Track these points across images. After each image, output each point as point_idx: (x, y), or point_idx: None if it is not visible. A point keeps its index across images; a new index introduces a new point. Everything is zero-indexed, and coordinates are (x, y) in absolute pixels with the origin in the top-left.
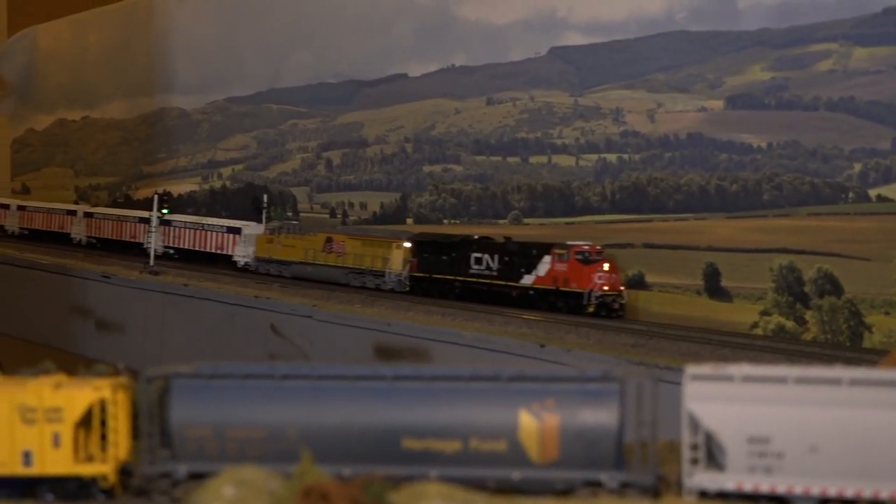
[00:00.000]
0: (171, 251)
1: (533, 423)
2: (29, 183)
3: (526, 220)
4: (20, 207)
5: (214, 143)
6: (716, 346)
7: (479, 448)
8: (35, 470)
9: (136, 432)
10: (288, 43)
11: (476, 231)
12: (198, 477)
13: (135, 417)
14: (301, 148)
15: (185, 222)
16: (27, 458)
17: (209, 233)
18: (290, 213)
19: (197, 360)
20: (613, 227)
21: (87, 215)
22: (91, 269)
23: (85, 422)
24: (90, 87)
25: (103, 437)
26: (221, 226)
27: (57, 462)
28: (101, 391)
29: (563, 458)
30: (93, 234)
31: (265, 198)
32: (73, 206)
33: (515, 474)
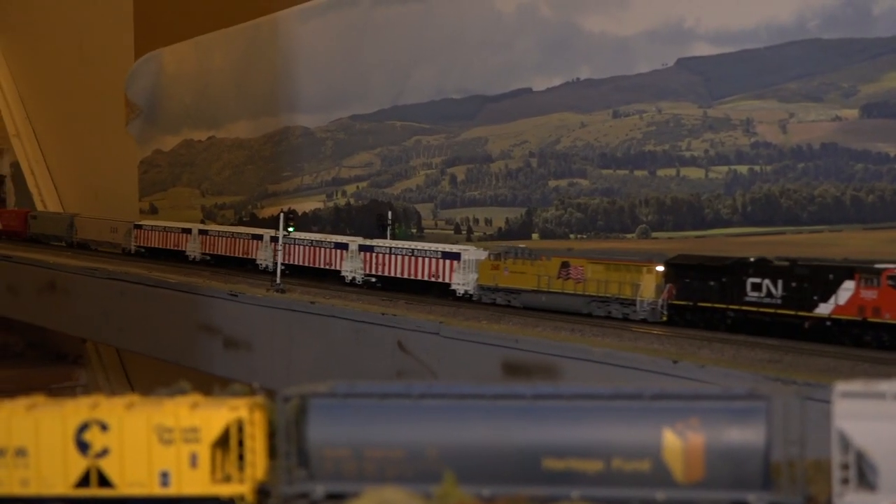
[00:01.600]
0: (374, 279)
1: (677, 443)
2: (156, 203)
3: (654, 234)
4: (136, 226)
5: (338, 160)
6: (855, 362)
7: (622, 468)
8: (172, 490)
9: (272, 452)
10: (411, 60)
11: (603, 245)
12: (335, 497)
13: (271, 437)
14: (425, 164)
15: (391, 248)
16: (165, 478)
17: (421, 259)
18: (414, 230)
19: (324, 377)
20: (745, 240)
21: (202, 233)
22: (218, 287)
23: (222, 442)
24: (215, 107)
25: (240, 457)
26: (436, 251)
27: (194, 482)
28: (237, 411)
29: (709, 478)
30: (207, 251)
31: (389, 214)
32: (187, 224)
33: (660, 495)
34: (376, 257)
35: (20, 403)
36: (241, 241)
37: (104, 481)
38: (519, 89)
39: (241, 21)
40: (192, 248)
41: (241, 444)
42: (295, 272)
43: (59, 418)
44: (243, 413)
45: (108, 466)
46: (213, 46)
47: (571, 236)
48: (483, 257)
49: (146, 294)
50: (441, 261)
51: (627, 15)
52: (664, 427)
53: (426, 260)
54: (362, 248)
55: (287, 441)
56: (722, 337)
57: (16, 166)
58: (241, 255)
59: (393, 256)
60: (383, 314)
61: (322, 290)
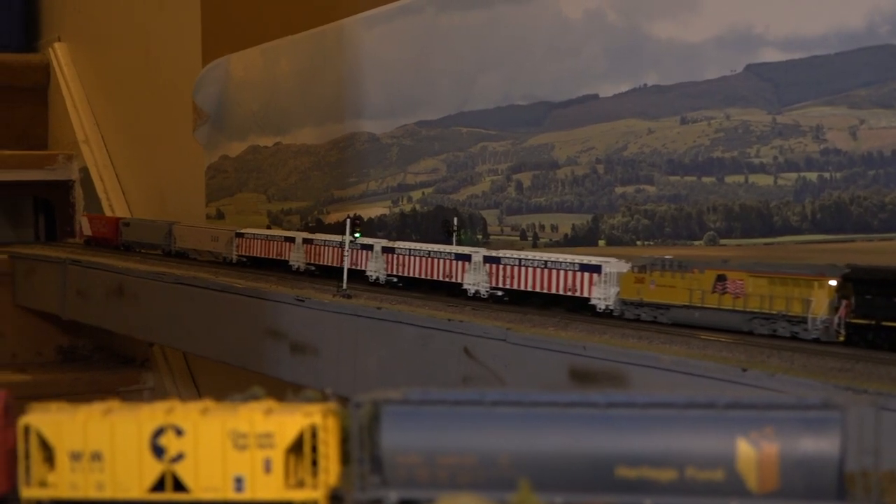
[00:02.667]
0: (500, 293)
1: (751, 452)
2: (223, 208)
3: (722, 241)
4: (238, 234)
5: (404, 166)
6: None
7: (696, 477)
8: (247, 496)
9: (344, 458)
10: (477, 66)
11: (671, 252)
12: (408, 503)
13: (343, 443)
14: (491, 170)
15: (521, 259)
16: (239, 483)
17: (555, 271)
18: (479, 236)
19: (390, 383)
20: (814, 247)
21: (307, 242)
22: (285, 292)
23: (295, 447)
24: (282, 113)
25: (313, 462)
26: (572, 263)
27: (268, 488)
28: (311, 417)
29: (783, 487)
30: (312, 261)
31: (455, 220)
32: (291, 233)
33: None
34: (504, 269)
35: (96, 408)
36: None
37: (179, 486)
38: (585, 95)
39: (307, 28)
40: (296, 257)
41: (314, 449)
42: (410, 285)
43: (135, 423)
44: (317, 419)
45: (183, 471)
46: (279, 53)
47: (638, 243)
48: (625, 269)
49: (213, 299)
50: (579, 273)
51: (696, 21)
52: (738, 436)
53: (561, 272)
54: (487, 259)
55: (360, 447)
56: (792, 345)
57: (84, 172)
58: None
59: (523, 269)
60: (449, 320)
61: (388, 296)
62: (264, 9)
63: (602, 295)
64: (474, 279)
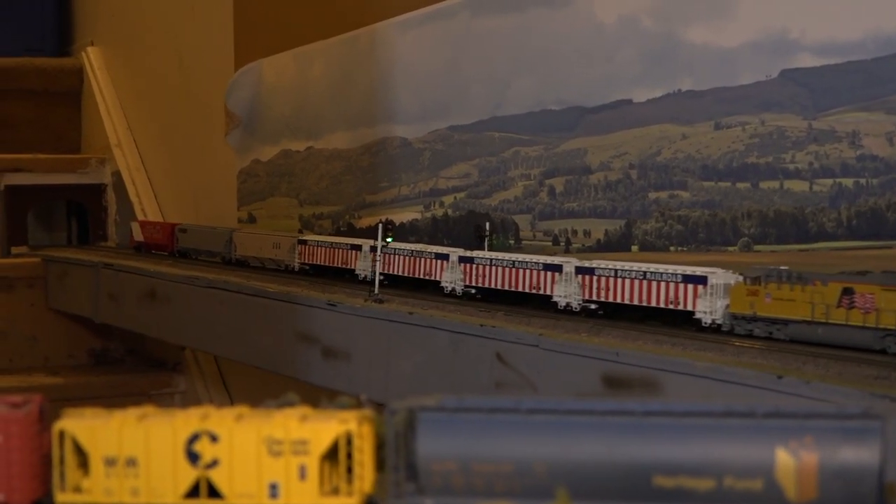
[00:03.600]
0: (594, 306)
1: (790, 462)
2: (254, 212)
3: (757, 247)
4: (300, 241)
5: (436, 171)
6: None
7: (734, 487)
8: (281, 502)
9: (379, 465)
10: (510, 71)
11: (705, 259)
12: None
13: (378, 449)
14: (523, 175)
15: (616, 270)
16: (273, 490)
17: (656, 283)
18: (511, 241)
19: (422, 388)
20: (849, 254)
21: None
22: (317, 297)
23: (330, 454)
24: (313, 118)
25: (348, 469)
26: (674, 273)
27: (303, 494)
28: (347, 424)
29: (822, 497)
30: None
31: (487, 225)
32: (357, 241)
33: None
34: (598, 280)
35: (131, 413)
36: (424, 260)
37: (213, 492)
38: (619, 101)
39: (339, 32)
40: (364, 266)
41: (349, 456)
42: (490, 296)
43: (170, 429)
44: (352, 426)
45: (218, 477)
46: (312, 58)
47: (672, 248)
48: (735, 281)
49: (245, 303)
50: (682, 285)
51: (731, 26)
52: (777, 445)
53: (662, 284)
54: (580, 269)
55: (396, 454)
56: (828, 353)
57: (117, 175)
58: (423, 277)
59: (619, 280)
60: (482, 325)
61: (420, 300)
62: (297, 13)
63: (707, 308)
64: (565, 291)
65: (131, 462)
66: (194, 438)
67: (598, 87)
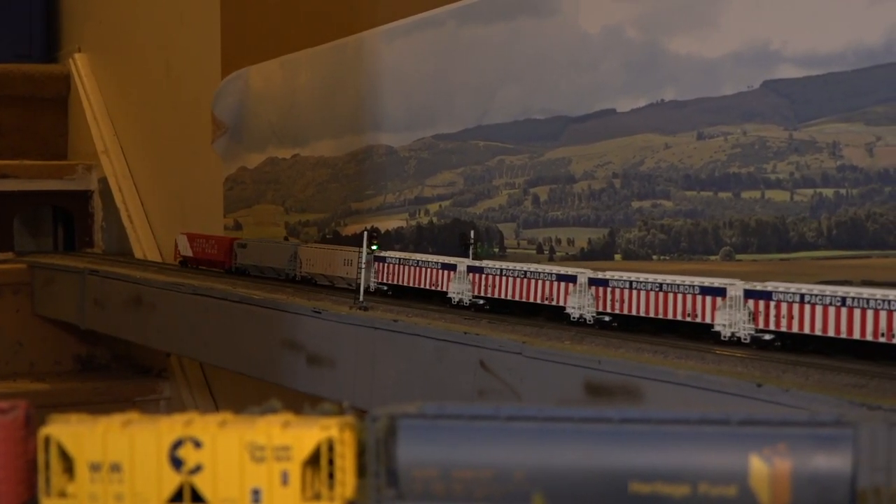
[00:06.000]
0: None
1: (764, 469)
2: (241, 219)
3: (738, 257)
4: (377, 258)
5: (422, 179)
6: None
7: (709, 493)
8: None
9: (361, 471)
10: (496, 80)
11: (686, 267)
12: None
13: (360, 456)
14: (508, 184)
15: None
16: (256, 495)
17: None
18: (496, 249)
19: (406, 395)
20: (830, 263)
21: (474, 270)
22: (302, 304)
23: (312, 460)
24: (300, 125)
25: (330, 475)
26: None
27: (285, 500)
28: (329, 430)
29: (795, 503)
30: (481, 293)
31: (472, 234)
32: (450, 259)
33: None
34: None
35: (115, 420)
36: (540, 282)
37: (197, 497)
38: (603, 110)
39: (327, 40)
40: (458, 288)
41: (331, 462)
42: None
43: (154, 435)
44: (334, 432)
45: (202, 483)
46: (299, 65)
47: (654, 257)
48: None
49: (230, 309)
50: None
51: (713, 37)
52: (751, 452)
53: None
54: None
55: (377, 461)
56: (808, 361)
57: (103, 182)
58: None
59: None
60: (465, 333)
61: (405, 308)
62: (284, 21)
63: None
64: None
65: (116, 467)
66: (178, 444)
67: (583, 96)
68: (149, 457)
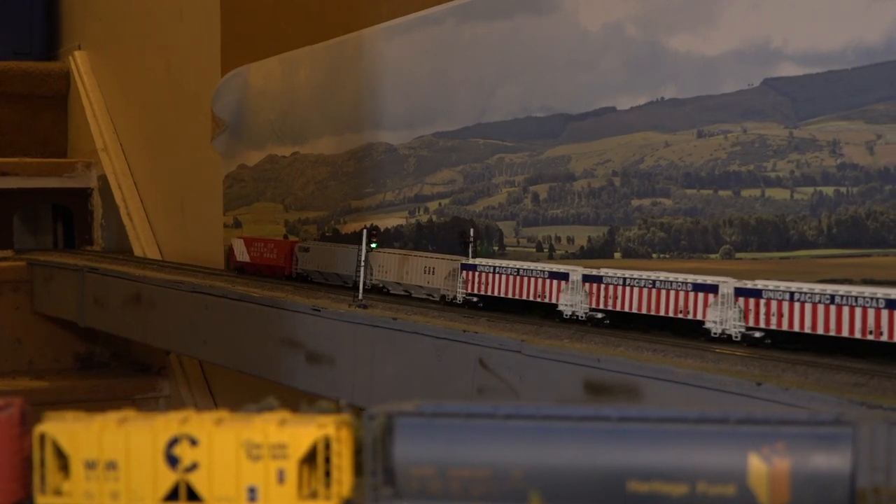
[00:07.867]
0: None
1: (763, 467)
2: (240, 217)
3: (738, 255)
4: (465, 267)
5: (421, 177)
6: None
7: (707, 492)
8: None
9: (357, 469)
10: (496, 78)
11: (687, 265)
12: None
13: (357, 454)
14: (507, 182)
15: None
16: (252, 493)
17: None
18: (496, 248)
19: (405, 393)
20: (830, 261)
21: (591, 280)
22: (301, 302)
23: (308, 458)
24: (300, 123)
25: (326, 473)
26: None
27: (282, 498)
28: (325, 428)
29: (794, 503)
30: (599, 306)
31: (471, 232)
32: (562, 267)
33: None
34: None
35: (111, 417)
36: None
37: (193, 495)
38: (603, 108)
39: (326, 38)
40: (571, 299)
41: (327, 460)
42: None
43: (150, 433)
44: (331, 431)
45: (197, 481)
46: (298, 63)
47: (654, 256)
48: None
49: (230, 307)
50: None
51: (714, 35)
52: (750, 451)
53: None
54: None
55: (373, 459)
56: (807, 360)
57: (103, 180)
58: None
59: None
60: (465, 331)
61: (404, 306)
62: (284, 18)
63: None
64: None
65: (111, 465)
66: (174, 442)
67: (583, 94)
68: (144, 455)
